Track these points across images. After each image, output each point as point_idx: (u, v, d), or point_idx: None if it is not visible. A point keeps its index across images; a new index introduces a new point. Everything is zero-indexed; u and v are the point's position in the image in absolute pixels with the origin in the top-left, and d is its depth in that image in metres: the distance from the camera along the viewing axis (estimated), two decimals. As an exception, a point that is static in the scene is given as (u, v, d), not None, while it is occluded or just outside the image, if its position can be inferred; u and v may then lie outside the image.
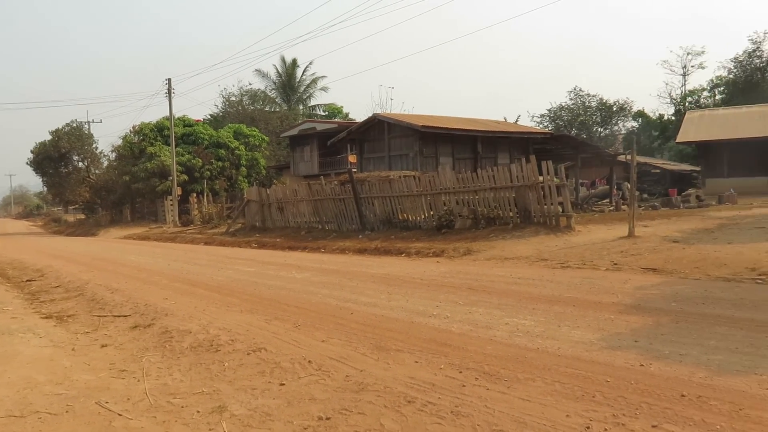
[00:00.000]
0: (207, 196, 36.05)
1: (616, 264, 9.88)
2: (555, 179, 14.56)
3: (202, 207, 34.85)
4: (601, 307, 6.66)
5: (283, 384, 4.70)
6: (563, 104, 57.80)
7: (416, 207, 17.39)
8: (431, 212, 16.76)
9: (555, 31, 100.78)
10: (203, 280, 11.35)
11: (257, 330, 6.61)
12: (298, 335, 6.25)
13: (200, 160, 40.46)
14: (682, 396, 3.87)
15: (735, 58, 51.65)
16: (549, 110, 57.93)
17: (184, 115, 46.12)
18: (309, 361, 5.21)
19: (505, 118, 42.14)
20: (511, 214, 15.07)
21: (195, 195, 36.77)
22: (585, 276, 8.98)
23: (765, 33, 61.37)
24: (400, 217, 17.78)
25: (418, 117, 26.31)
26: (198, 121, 47.49)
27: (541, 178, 14.46)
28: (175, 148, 38.51)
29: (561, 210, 14.43)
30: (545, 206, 14.40)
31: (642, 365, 4.53)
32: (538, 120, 57.27)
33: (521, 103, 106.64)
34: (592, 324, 5.88)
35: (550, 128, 52.26)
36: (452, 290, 8.37)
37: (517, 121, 48.40)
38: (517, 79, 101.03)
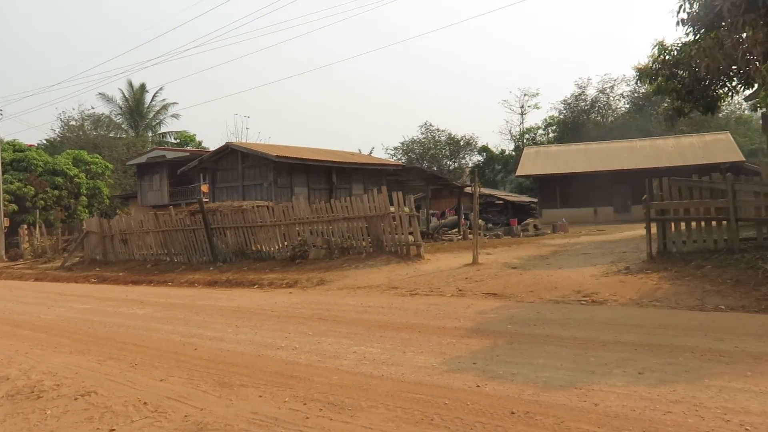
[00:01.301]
0: (40, 227, 32.96)
1: (460, 290, 10.35)
2: (406, 209, 15.06)
3: (33, 239, 31.79)
4: (444, 332, 6.92)
5: (113, 429, 4.35)
6: (415, 138, 60.40)
7: (270, 237, 17.14)
8: (285, 243, 16.59)
9: (405, 71, 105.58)
10: (29, 320, 10.30)
11: (88, 372, 6.08)
12: (134, 375, 5.83)
13: (33, 189, 37.06)
14: (512, 413, 4.09)
15: (564, 101, 57.21)
16: (402, 143, 60.29)
17: (14, 140, 42.21)
18: (144, 403, 4.87)
19: (359, 150, 43.17)
20: (364, 243, 15.33)
21: (26, 226, 33.50)
22: (432, 302, 9.30)
23: (589, 79, 68.50)
24: (254, 248, 17.41)
25: (273, 147, 26.15)
26: (31, 146, 43.59)
27: (392, 209, 14.88)
28: (3, 175, 34.97)
29: (412, 239, 14.91)
30: (397, 236, 14.81)
31: (478, 386, 4.75)
32: (392, 152, 59.35)
33: (376, 135, 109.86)
34: (435, 349, 6.08)
35: (403, 160, 54.30)
36: (303, 321, 8.29)
37: (371, 153, 49.74)
38: (373, 113, 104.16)
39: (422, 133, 60.60)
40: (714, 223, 11.03)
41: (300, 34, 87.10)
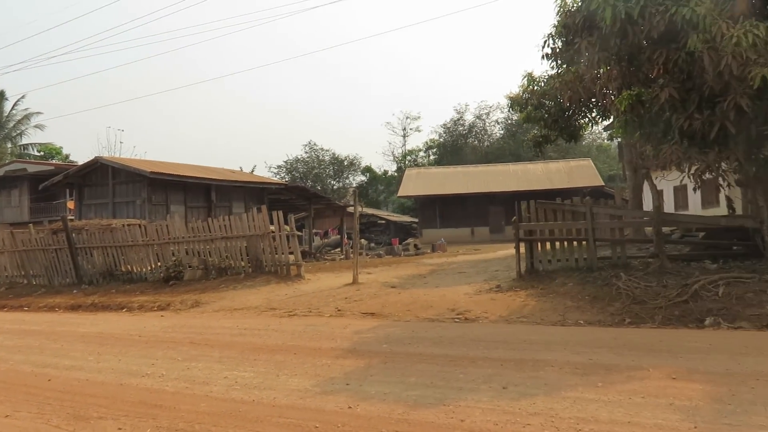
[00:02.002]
0: None
1: (339, 310, 10.34)
2: (287, 229, 14.88)
3: None
4: (320, 353, 6.87)
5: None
6: (299, 157, 60.17)
7: (142, 258, 16.28)
8: (159, 263, 15.82)
9: (291, 89, 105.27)
10: None
11: None
12: (-27, 412, 5.27)
13: None
14: (381, 433, 4.12)
15: (444, 125, 59.52)
16: (286, 162, 59.79)
17: None
18: (-16, 443, 4.41)
19: (241, 168, 42.29)
20: (243, 263, 14.96)
21: None
22: (310, 323, 9.22)
23: (467, 105, 71.72)
24: (124, 269, 16.44)
25: (148, 162, 25.00)
26: None
27: (272, 228, 14.66)
28: None
29: (292, 259, 14.74)
30: (277, 255, 14.58)
31: (350, 407, 4.74)
32: (276, 171, 58.69)
33: (260, 153, 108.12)
34: (310, 371, 6.01)
35: (286, 179, 53.83)
36: (173, 346, 7.90)
37: (253, 170, 48.88)
38: (257, 130, 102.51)
39: (306, 152, 60.57)
40: (575, 243, 11.82)
41: (184, 46, 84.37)
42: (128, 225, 17.23)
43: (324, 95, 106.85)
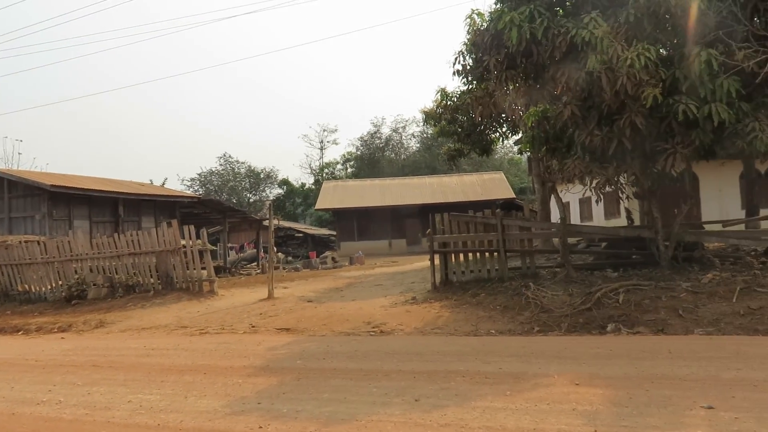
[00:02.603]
0: None
1: (253, 326, 10.13)
2: (199, 243, 14.46)
3: None
4: (232, 372, 6.68)
5: None
6: (214, 169, 58.78)
7: (41, 277, 15.34)
8: (60, 282, 14.96)
9: (205, 100, 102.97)
10: None
11: None
12: None
13: None
14: (292, 452, 4.04)
15: (361, 138, 59.91)
16: (200, 174, 58.25)
17: None
18: None
19: (151, 181, 40.83)
20: (152, 280, 14.39)
21: None
22: (222, 341, 8.96)
23: (383, 118, 72.63)
24: (20, 289, 15.44)
25: (49, 175, 23.63)
26: None
27: (183, 243, 14.21)
28: None
29: (205, 275, 14.33)
30: (188, 271, 14.13)
31: (261, 427, 4.63)
32: (189, 184, 57.04)
33: (172, 165, 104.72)
34: (220, 391, 5.83)
35: (200, 192, 52.44)
36: (73, 370, 7.46)
37: (164, 184, 47.32)
38: (168, 142, 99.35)
39: (221, 165, 59.27)
40: (488, 254, 12.14)
41: (90, 53, 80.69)
42: (26, 241, 16.21)
43: (240, 107, 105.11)
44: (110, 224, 22.26)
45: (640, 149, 10.09)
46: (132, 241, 14.67)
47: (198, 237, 14.49)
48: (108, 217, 22.49)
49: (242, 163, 59.64)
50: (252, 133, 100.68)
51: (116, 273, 14.68)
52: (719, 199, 19.54)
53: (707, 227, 13.93)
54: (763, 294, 8.42)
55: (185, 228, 14.19)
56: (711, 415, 4.33)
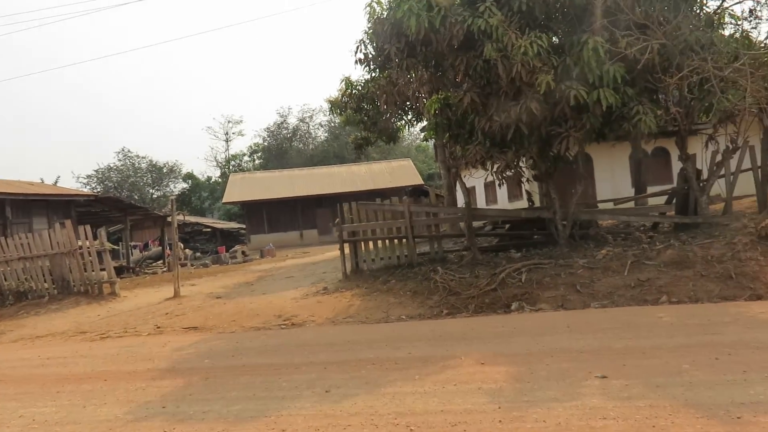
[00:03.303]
0: None
1: (159, 327, 9.76)
2: (97, 243, 13.74)
3: None
4: (135, 376, 6.41)
5: None
6: (112, 165, 55.99)
7: None
8: (-59, 292, 13.79)
9: (101, 91, 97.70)
10: None
11: None
12: None
13: None
14: (199, 455, 3.92)
15: (268, 128, 58.86)
16: (97, 171, 55.30)
17: None
18: None
19: (42, 180, 38.42)
20: (46, 285, 13.55)
21: None
22: (125, 345, 8.57)
23: (290, 108, 71.77)
24: None
25: (-76, 177, 21.65)
26: None
27: (80, 243, 13.46)
28: None
29: (105, 276, 13.65)
30: (87, 273, 13.42)
31: (165, 431, 4.47)
32: (85, 181, 54.05)
33: (65, 162, 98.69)
34: (122, 397, 5.58)
35: (98, 190, 49.88)
36: (-43, 386, 6.90)
37: (56, 182, 44.65)
38: (60, 137, 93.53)
39: (120, 160, 56.51)
40: (397, 241, 12.28)
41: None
42: None
43: (137, 99, 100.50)
44: (-4, 227, 20.70)
45: (537, 134, 10.49)
46: (22, 244, 13.74)
47: (96, 237, 13.77)
48: (-6, 220, 20.92)
49: (143, 157, 57.15)
50: (153, 127, 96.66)
51: (5, 279, 13.71)
52: (612, 179, 20.69)
53: (601, 206, 14.76)
54: (651, 266, 9.00)
55: (82, 228, 13.43)
56: (604, 383, 4.59)
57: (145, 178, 56.64)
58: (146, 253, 32.80)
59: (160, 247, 31.48)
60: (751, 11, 11.57)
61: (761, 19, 12.50)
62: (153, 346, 8.17)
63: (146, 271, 25.48)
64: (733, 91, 10.44)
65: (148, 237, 38.54)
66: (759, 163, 11.21)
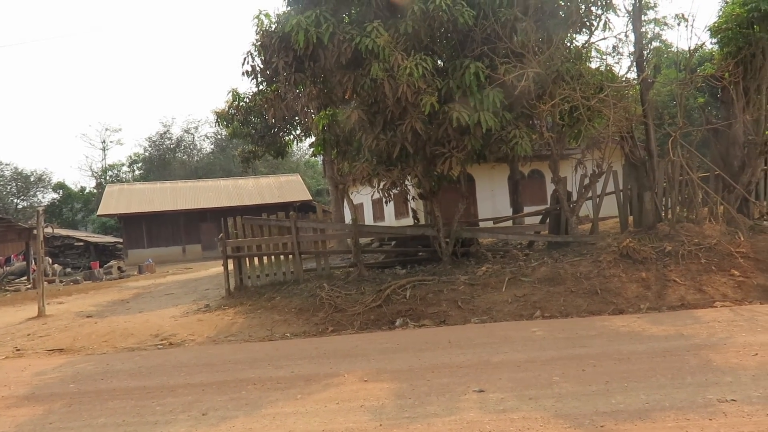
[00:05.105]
0: None
1: (18, 350, 8.96)
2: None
3: None
4: (-13, 405, 5.82)
5: None
6: (-30, 172, 51.19)
7: None
8: None
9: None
10: None
11: None
12: None
13: None
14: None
15: (150, 138, 56.31)
16: (-48, 178, 50.29)
17: None
18: None
19: None
20: None
21: None
22: (-23, 370, 7.78)
23: (173, 118, 69.35)
24: None
25: None
26: None
27: (-73, 259, 12.14)
28: None
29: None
30: (-66, 291, 12.10)
31: (19, 466, 4.08)
32: (-62, 188, 48.99)
33: None
34: (-30, 429, 5.04)
35: (-46, 198, 45.38)
36: None
37: None
38: None
39: (-21, 167, 51.74)
40: (283, 257, 12.10)
41: None
42: None
43: (2, 101, 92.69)
44: None
45: (422, 153, 10.77)
46: None
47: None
48: None
49: (7, 164, 52.66)
50: (19, 131, 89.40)
51: None
52: (492, 198, 21.66)
53: (482, 224, 15.38)
54: (526, 282, 9.47)
55: (-71, 241, 12.12)
56: (482, 397, 4.74)
57: (9, 187, 52.17)
58: (8, 268, 30.12)
59: (25, 262, 29.05)
60: (614, 47, 12.64)
61: (623, 55, 13.70)
62: (10, 371, 7.47)
63: (8, 288, 23.37)
64: (598, 120, 11.30)
65: (11, 251, 35.40)
66: (621, 187, 12.16)
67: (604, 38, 13.82)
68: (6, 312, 13.28)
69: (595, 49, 11.77)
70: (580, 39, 11.72)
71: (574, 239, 11.41)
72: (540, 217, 13.36)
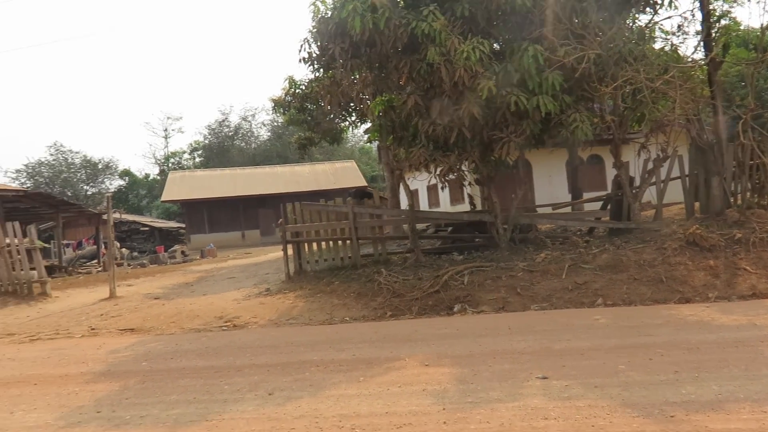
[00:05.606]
0: None
1: (93, 329, 9.42)
2: (27, 241, 13.14)
3: None
4: (67, 380, 6.16)
5: None
6: (44, 160, 53.69)
7: None
8: None
9: (31, 83, 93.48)
10: None
11: None
12: None
13: None
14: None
15: (209, 126, 57.67)
16: (27, 165, 52.91)
17: None
18: None
19: (-33, 174, 36.52)
20: (-30, 285, 12.86)
21: None
22: (57, 347, 8.23)
23: (231, 106, 70.62)
24: None
25: None
26: None
27: (8, 241, 12.84)
28: None
29: (35, 275, 13.07)
30: (15, 272, 12.81)
31: (100, 438, 4.32)
32: (13, 176, 51.61)
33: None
34: (54, 402, 5.36)
35: (28, 185, 47.73)
36: None
37: (-18, 176, 42.50)
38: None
39: (51, 155, 54.22)
40: (340, 242, 12.26)
41: None
42: None
43: (71, 92, 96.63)
44: None
45: (479, 138, 10.67)
46: (-57, 242, 12.99)
47: (25, 234, 13.15)
48: None
49: (77, 152, 55.03)
50: (88, 121, 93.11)
51: (-76, 279, 12.94)
52: (549, 184, 21.27)
53: (540, 210, 15.13)
54: (587, 270, 9.31)
55: (10, 225, 12.82)
56: (545, 384, 4.72)
57: (78, 174, 54.56)
58: (80, 252, 31.56)
59: (95, 246, 30.36)
60: (679, 26, 12.13)
61: (688, 35, 13.16)
62: (87, 349, 7.88)
63: (80, 270, 24.52)
64: (663, 102, 10.92)
65: (82, 235, 37.11)
66: (686, 172, 11.74)
67: (669, 17, 13.36)
68: (80, 293, 13.95)
69: (660, 28, 11.33)
70: (644, 18, 11.34)
71: (637, 226, 11.11)
72: (600, 203, 13.04)
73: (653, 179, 11.66)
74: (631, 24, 10.81)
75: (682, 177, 11.84)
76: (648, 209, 12.04)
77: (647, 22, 11.23)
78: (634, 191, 11.68)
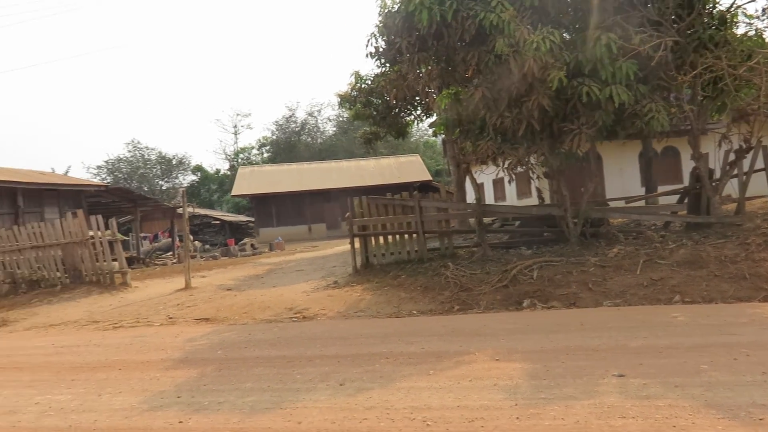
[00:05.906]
0: None
1: (171, 318, 9.82)
2: (108, 234, 13.81)
3: None
4: (148, 366, 6.46)
5: None
6: (122, 156, 56.24)
7: (-68, 275, 14.19)
8: (-46, 280, 13.91)
9: (109, 82, 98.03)
10: None
11: None
12: None
13: None
14: (216, 446, 3.95)
15: (276, 122, 58.93)
16: (107, 161, 55.58)
17: None
18: None
19: (53, 169, 38.63)
20: (59, 274, 13.65)
21: None
22: (137, 334, 8.63)
23: (298, 102, 71.67)
24: None
25: (-64, 166, 21.81)
26: None
27: (91, 233, 13.54)
28: None
29: (117, 266, 13.73)
30: (98, 263, 13.50)
31: (181, 422, 4.50)
32: (95, 172, 54.32)
33: (75, 152, 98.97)
34: (137, 386, 5.62)
35: (108, 180, 50.13)
36: (-27, 374, 6.97)
37: (67, 172, 44.89)
38: (70, 128, 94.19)
39: (129, 151, 56.76)
40: (407, 236, 12.28)
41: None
42: None
43: (146, 91, 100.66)
44: (9, 216, 20.85)
45: (548, 130, 10.45)
46: (34, 233, 13.83)
47: (107, 227, 13.83)
48: (6, 209, 21.06)
49: (152, 149, 57.41)
50: (162, 119, 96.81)
51: (18, 268, 13.82)
52: (621, 177, 20.61)
53: (611, 204, 14.68)
54: (664, 265, 8.97)
55: (93, 218, 13.51)
56: (622, 382, 4.59)
57: (154, 170, 56.88)
58: (156, 244, 32.97)
59: (170, 239, 31.63)
60: (764, 10, 11.47)
61: (775, 18, 12.42)
62: (165, 337, 8.22)
63: (156, 262, 25.59)
64: (746, 90, 10.38)
65: (157, 228, 38.71)
66: (772, 163, 11.15)
67: (753, 0, 12.63)
68: (157, 284, 14.55)
69: (743, 12, 10.73)
70: (725, 2, 10.80)
71: (717, 220, 10.62)
72: (677, 196, 12.54)
73: (735, 171, 11.11)
74: (710, 9, 10.31)
75: (767, 169, 11.24)
76: (728, 203, 11.49)
77: (729, 6, 10.69)
78: (714, 184, 11.17)
